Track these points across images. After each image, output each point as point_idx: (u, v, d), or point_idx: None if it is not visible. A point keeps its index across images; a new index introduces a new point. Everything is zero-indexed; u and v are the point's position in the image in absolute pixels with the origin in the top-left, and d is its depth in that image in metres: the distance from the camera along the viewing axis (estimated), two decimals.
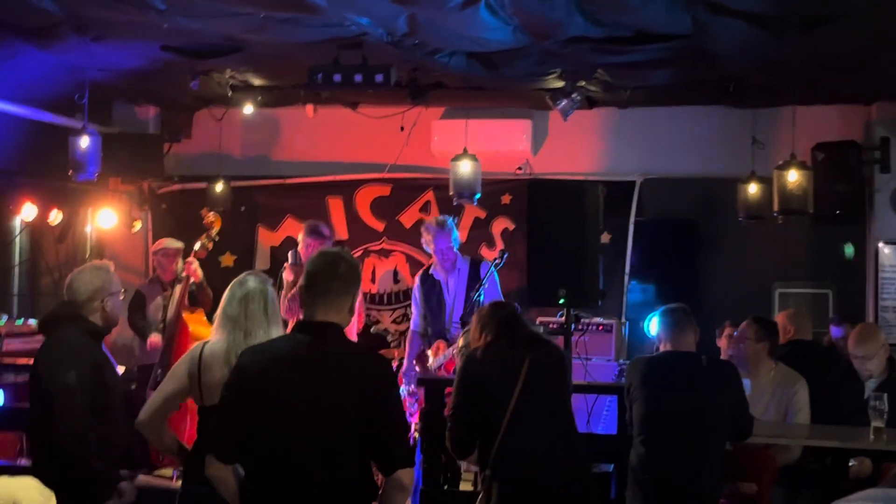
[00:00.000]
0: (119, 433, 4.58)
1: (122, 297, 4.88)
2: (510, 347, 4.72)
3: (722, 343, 7.19)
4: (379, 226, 9.88)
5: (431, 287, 7.94)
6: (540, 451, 4.55)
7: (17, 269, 9.63)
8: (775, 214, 7.90)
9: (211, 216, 8.57)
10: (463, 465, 6.29)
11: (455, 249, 7.91)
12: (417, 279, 8.17)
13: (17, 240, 9.61)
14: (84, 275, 4.74)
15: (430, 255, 8.40)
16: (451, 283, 7.85)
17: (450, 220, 7.92)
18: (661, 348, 5.39)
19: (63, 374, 4.46)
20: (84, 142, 7.82)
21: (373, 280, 9.80)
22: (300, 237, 8.34)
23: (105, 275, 4.77)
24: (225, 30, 6.89)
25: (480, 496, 4.59)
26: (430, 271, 8.03)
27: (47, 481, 3.65)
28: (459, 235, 9.56)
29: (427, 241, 7.95)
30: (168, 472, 7.11)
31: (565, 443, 4.65)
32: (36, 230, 9.64)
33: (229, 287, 4.37)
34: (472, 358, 4.76)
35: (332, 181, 9.92)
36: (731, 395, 5.20)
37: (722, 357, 6.70)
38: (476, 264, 7.89)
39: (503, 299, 6.69)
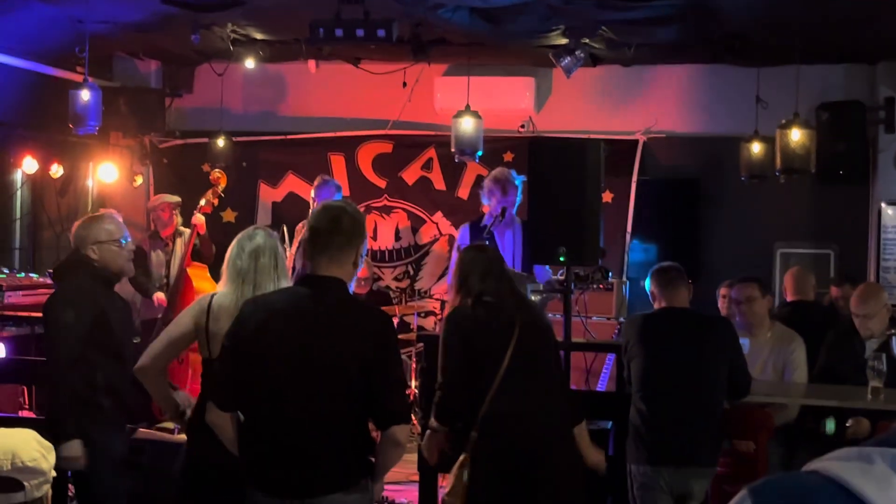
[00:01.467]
0: (127, 377, 4.59)
1: (121, 246, 4.85)
2: (498, 308, 4.49)
3: (721, 304, 7.18)
4: (381, 182, 9.86)
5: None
6: (527, 414, 4.42)
7: (18, 223, 9.63)
8: (777, 174, 7.87)
9: (216, 173, 8.58)
10: None
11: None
12: (464, 231, 7.40)
13: (18, 193, 9.60)
14: (76, 227, 4.83)
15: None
16: (507, 239, 7.22)
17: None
18: (656, 306, 5.40)
19: (63, 314, 4.55)
20: (84, 95, 7.78)
21: (374, 237, 9.79)
22: (312, 193, 8.28)
23: (90, 226, 4.80)
24: None
25: (463, 458, 4.42)
26: (484, 223, 7.18)
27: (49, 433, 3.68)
28: (462, 193, 9.60)
29: (494, 191, 7.20)
30: (170, 425, 7.15)
31: (552, 404, 4.49)
32: (37, 184, 9.63)
33: (236, 240, 4.31)
34: (458, 320, 4.52)
35: (334, 137, 9.89)
36: (730, 352, 5.21)
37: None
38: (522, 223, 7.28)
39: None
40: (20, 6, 7.52)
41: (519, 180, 7.22)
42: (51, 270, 6.23)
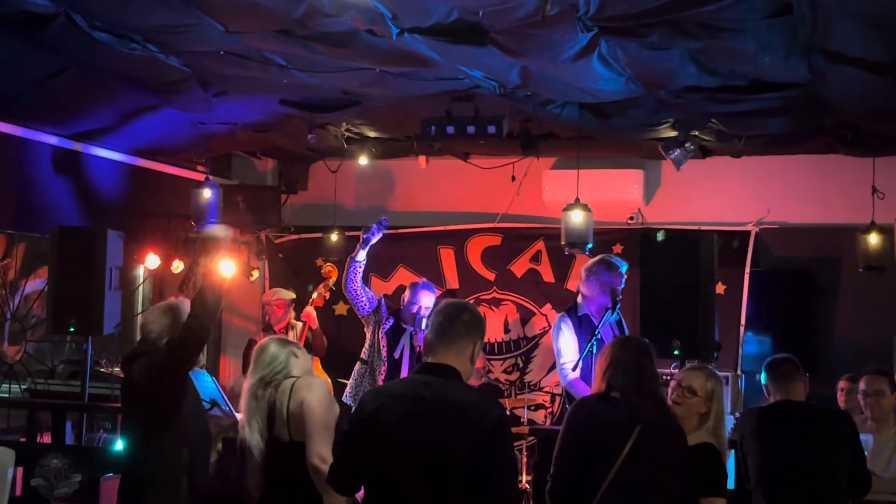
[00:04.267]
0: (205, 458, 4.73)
1: None
2: (625, 405, 4.26)
3: (840, 398, 6.99)
4: (490, 275, 9.92)
5: (588, 330, 6.99)
6: None
7: (139, 318, 9.93)
8: None
9: (328, 266, 8.76)
10: None
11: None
12: (566, 320, 7.19)
13: (140, 288, 9.93)
14: (153, 313, 4.96)
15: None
16: (606, 327, 7.08)
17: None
18: (772, 400, 5.29)
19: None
20: (206, 193, 8.09)
21: None
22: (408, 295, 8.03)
23: (172, 313, 4.94)
24: (342, 84, 7.07)
25: None
26: (584, 312, 7.15)
27: None
28: (571, 286, 9.59)
29: (596, 279, 7.16)
30: None
31: None
32: (158, 279, 9.94)
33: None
34: (581, 412, 4.41)
35: (444, 231, 10.02)
36: (850, 447, 5.07)
37: None
38: (619, 315, 7.24)
39: None
40: (145, 109, 7.89)
41: (623, 268, 7.20)
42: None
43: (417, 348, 7.64)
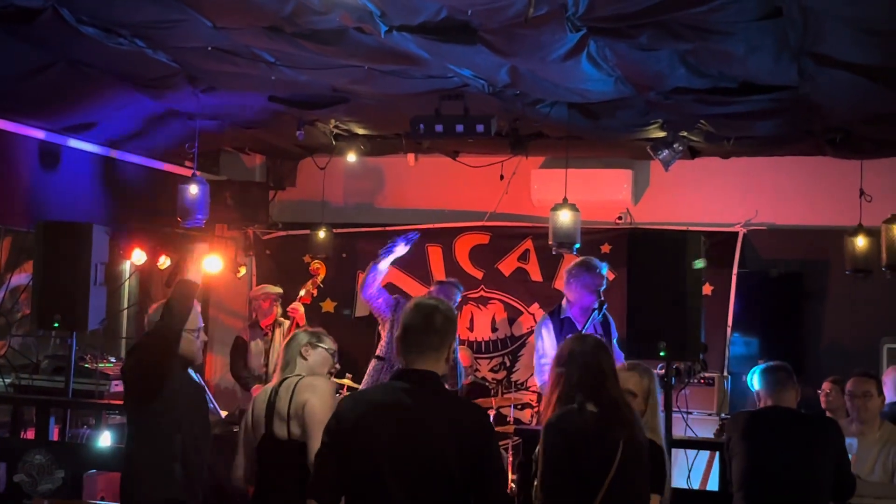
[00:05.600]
0: (189, 468, 4.77)
1: (198, 336, 5.02)
2: (603, 419, 4.05)
3: (823, 400, 7.00)
4: (477, 274, 9.92)
5: (570, 332, 6.90)
6: None
7: (125, 313, 9.89)
8: (883, 269, 7.69)
9: (316, 264, 8.75)
10: None
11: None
12: (547, 323, 7.36)
13: (126, 284, 9.88)
14: (155, 310, 5.01)
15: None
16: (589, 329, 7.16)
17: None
18: (761, 405, 5.30)
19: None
20: (193, 189, 8.04)
21: (471, 328, 9.82)
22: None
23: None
24: (331, 81, 7.05)
25: None
26: (566, 315, 7.31)
27: None
28: (559, 285, 9.58)
29: (577, 281, 7.31)
30: None
31: None
32: (145, 275, 9.89)
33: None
34: (556, 429, 4.09)
35: (432, 229, 10.01)
36: (835, 453, 5.08)
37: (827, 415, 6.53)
38: (606, 316, 7.39)
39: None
40: (135, 104, 7.85)
41: (604, 269, 7.31)
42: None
43: None
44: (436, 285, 8.18)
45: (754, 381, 5.48)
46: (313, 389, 4.63)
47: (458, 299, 8.17)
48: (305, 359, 4.84)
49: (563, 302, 7.42)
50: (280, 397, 4.66)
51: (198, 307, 5.05)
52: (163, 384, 4.79)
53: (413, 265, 9.80)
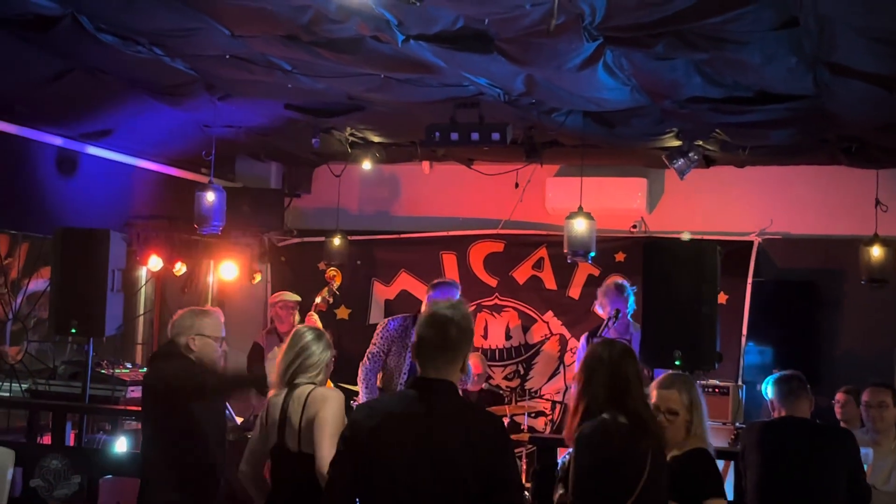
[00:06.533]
0: (207, 475, 4.71)
1: (221, 345, 5.03)
2: (633, 431, 4.07)
3: (838, 411, 6.98)
4: (492, 281, 9.92)
5: None
6: None
7: (141, 319, 9.94)
8: None
9: (331, 271, 8.78)
10: None
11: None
12: (584, 343, 7.84)
13: (143, 290, 9.93)
14: (181, 315, 5.00)
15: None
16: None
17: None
18: (775, 415, 5.28)
19: (190, 380, 4.80)
20: (210, 196, 8.08)
21: (485, 336, 9.82)
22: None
23: (198, 317, 4.96)
24: (347, 89, 7.08)
25: None
26: (603, 333, 7.58)
27: None
28: (573, 293, 9.59)
29: (604, 302, 7.84)
30: None
31: None
32: (161, 281, 9.95)
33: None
34: (586, 442, 4.12)
35: (447, 237, 10.03)
36: (849, 463, 5.06)
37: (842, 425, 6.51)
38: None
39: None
40: (152, 111, 7.90)
41: (630, 291, 7.42)
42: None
43: None
44: (434, 289, 7.97)
45: (768, 390, 5.47)
46: (324, 400, 4.60)
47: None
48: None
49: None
50: (292, 407, 4.63)
51: (221, 316, 5.06)
52: (182, 401, 4.83)
53: (427, 273, 9.83)
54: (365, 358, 7.71)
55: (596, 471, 4.08)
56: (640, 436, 4.08)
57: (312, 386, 4.69)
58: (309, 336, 4.80)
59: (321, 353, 4.76)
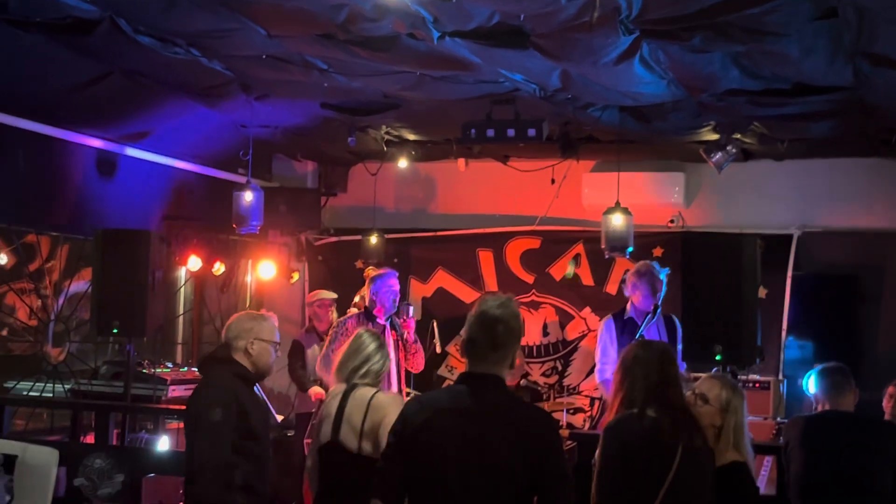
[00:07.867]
0: (263, 479, 4.69)
1: (276, 350, 5.02)
2: (662, 424, 4.06)
3: (886, 404, 6.90)
4: (528, 278, 9.91)
5: (631, 333, 7.21)
6: None
7: (181, 319, 10.02)
8: None
9: (369, 270, 8.78)
10: None
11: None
12: (609, 323, 7.57)
13: (182, 290, 10.01)
14: (238, 318, 4.96)
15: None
16: (653, 335, 7.27)
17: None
18: (819, 409, 5.23)
19: (209, 412, 4.59)
20: (248, 196, 8.13)
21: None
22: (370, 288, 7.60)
23: (256, 321, 4.95)
24: (383, 87, 7.09)
25: None
26: (629, 316, 7.45)
27: None
28: (610, 289, 9.56)
29: (638, 286, 7.39)
30: None
31: None
32: (200, 281, 10.02)
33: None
34: (614, 433, 4.14)
35: (483, 234, 10.02)
36: (894, 457, 5.01)
37: (886, 418, 6.44)
38: (669, 318, 7.43)
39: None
40: (190, 112, 7.96)
41: (663, 273, 7.33)
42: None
43: (406, 337, 7.44)
44: (373, 282, 7.48)
45: (810, 383, 5.42)
46: (390, 405, 4.63)
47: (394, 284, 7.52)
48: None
49: (628, 304, 7.52)
50: (353, 407, 4.67)
51: (275, 320, 5.06)
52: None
53: (464, 270, 9.83)
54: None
55: (619, 463, 4.07)
56: (669, 430, 4.05)
57: (374, 390, 4.77)
58: (373, 345, 4.99)
59: (384, 361, 5.00)
